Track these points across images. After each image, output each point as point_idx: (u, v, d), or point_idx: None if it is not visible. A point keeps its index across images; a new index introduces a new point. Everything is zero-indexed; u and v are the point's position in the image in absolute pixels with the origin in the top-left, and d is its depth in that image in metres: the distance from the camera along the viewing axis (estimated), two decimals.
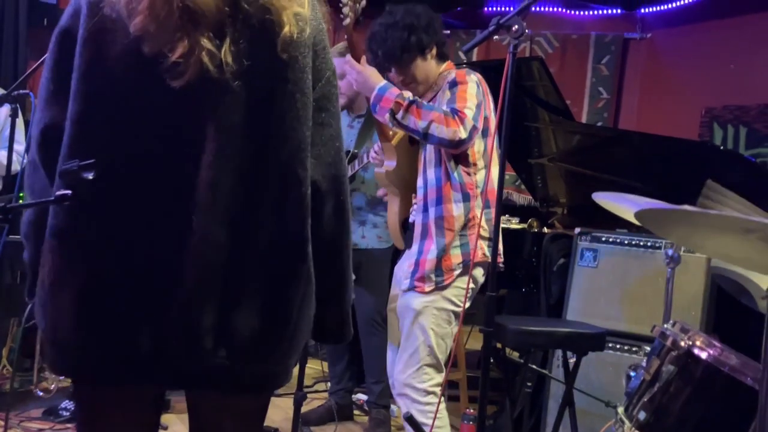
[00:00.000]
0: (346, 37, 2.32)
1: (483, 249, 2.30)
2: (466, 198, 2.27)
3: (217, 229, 1.12)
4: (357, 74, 2.29)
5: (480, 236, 2.26)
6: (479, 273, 2.34)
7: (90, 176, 1.07)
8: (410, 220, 2.46)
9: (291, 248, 1.19)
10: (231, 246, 1.13)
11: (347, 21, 2.26)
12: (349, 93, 3.17)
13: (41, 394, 3.10)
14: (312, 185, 1.21)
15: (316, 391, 3.74)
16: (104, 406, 1.20)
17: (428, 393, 2.27)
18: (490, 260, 2.28)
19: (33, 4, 4.54)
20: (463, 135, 2.14)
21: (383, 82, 2.27)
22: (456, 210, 2.26)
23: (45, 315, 1.15)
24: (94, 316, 1.12)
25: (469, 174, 2.28)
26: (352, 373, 3.45)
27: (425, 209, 2.33)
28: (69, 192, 1.08)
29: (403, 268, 2.44)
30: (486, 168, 2.28)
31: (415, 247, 2.35)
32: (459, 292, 2.29)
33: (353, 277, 1.37)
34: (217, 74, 1.10)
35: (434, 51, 2.37)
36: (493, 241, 2.02)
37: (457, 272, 2.26)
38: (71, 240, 1.13)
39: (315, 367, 4.12)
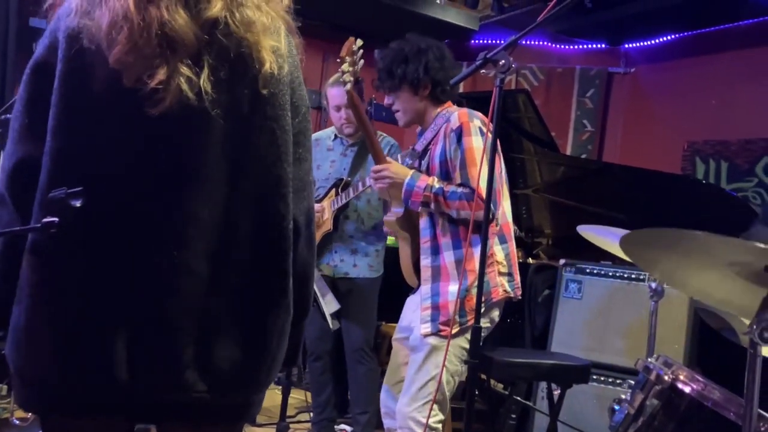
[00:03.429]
0: (346, 98, 2.35)
1: (504, 286, 2.30)
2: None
3: (197, 262, 1.12)
4: (388, 174, 2.33)
5: (499, 273, 2.28)
6: (496, 314, 2.34)
7: (77, 204, 1.06)
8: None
9: (272, 281, 1.19)
10: (212, 279, 1.13)
11: (348, 86, 2.29)
12: (354, 121, 3.16)
13: (17, 422, 3.04)
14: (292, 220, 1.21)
15: (299, 422, 3.70)
16: None
17: (432, 429, 2.24)
18: (511, 295, 2.32)
19: (22, 28, 4.54)
20: (491, 213, 2.08)
21: (408, 176, 2.30)
22: (476, 251, 2.22)
23: (19, 351, 1.12)
24: (72, 349, 1.09)
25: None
26: (335, 403, 3.41)
27: (436, 252, 2.32)
28: (55, 219, 1.05)
29: (411, 305, 2.43)
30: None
31: (426, 289, 2.32)
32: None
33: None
34: (197, 102, 1.10)
35: (428, 89, 2.35)
36: (479, 275, 1.98)
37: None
38: (52, 274, 1.11)
39: (298, 397, 4.08)
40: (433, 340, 2.27)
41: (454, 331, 2.22)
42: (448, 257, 2.29)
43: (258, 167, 1.16)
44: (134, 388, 1.11)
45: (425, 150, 2.41)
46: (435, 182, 2.27)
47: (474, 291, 2.19)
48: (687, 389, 1.63)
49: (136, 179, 1.12)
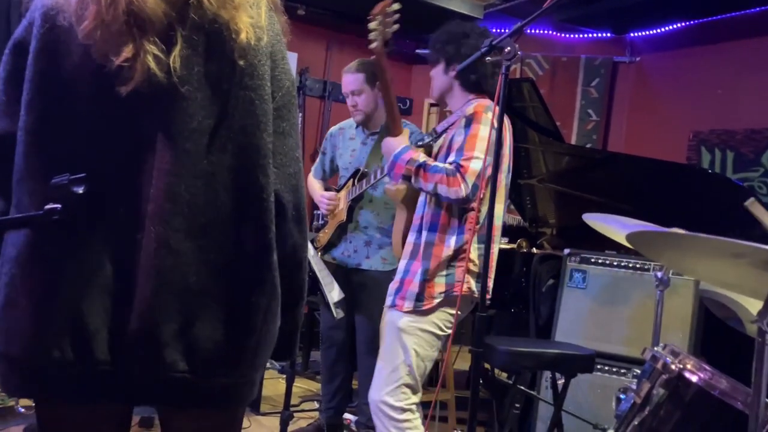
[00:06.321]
0: (374, 58, 2.32)
1: (470, 283, 2.25)
2: (461, 231, 2.26)
3: (177, 237, 1.10)
4: (384, 144, 2.39)
5: (469, 270, 2.24)
6: (453, 310, 2.26)
7: (80, 190, 1.06)
8: None
9: (255, 256, 1.16)
10: (192, 255, 1.11)
11: (374, 44, 2.24)
12: (366, 110, 3.18)
13: (23, 410, 3.05)
14: (274, 195, 1.19)
15: (303, 410, 3.71)
16: (64, 426, 1.17)
17: (405, 410, 2.24)
18: (475, 295, 2.25)
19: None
20: (463, 193, 2.15)
21: (400, 148, 2.32)
22: (448, 239, 2.25)
23: None
24: (51, 330, 1.09)
25: (472, 208, 2.24)
26: (344, 393, 3.41)
27: (419, 230, 2.33)
28: (58, 206, 1.05)
29: None
30: (491, 202, 2.18)
31: (402, 264, 2.35)
32: (446, 317, 2.27)
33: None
34: (166, 80, 1.09)
35: (455, 71, 2.38)
36: (483, 269, 1.98)
37: (438, 300, 2.24)
38: (29, 253, 1.11)
39: (302, 386, 4.09)
40: (401, 323, 2.26)
41: (406, 309, 2.25)
42: (425, 237, 2.30)
43: (236, 138, 1.14)
44: (115, 368, 1.10)
45: (443, 132, 2.42)
46: (420, 157, 2.27)
47: (437, 279, 2.25)
48: (694, 378, 1.63)
49: (109, 155, 1.11)
